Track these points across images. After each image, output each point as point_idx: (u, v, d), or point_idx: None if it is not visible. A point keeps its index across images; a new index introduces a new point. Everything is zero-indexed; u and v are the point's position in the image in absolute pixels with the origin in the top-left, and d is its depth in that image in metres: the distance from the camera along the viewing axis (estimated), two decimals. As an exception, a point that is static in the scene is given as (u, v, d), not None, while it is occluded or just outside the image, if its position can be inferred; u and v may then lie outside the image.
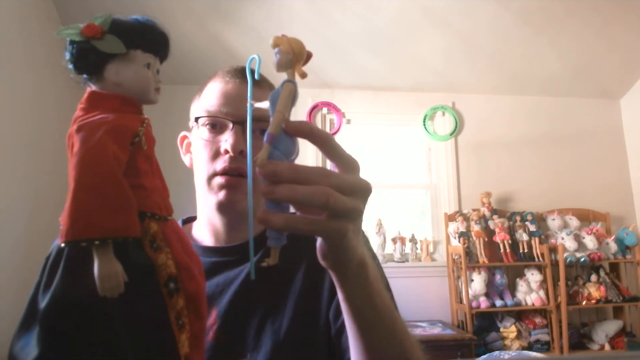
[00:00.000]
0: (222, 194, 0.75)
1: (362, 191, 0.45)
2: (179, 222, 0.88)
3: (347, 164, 0.45)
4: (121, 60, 0.41)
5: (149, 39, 0.42)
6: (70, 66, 0.41)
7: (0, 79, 2.16)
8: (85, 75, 0.42)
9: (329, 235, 0.43)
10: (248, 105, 0.45)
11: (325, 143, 0.44)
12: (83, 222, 0.35)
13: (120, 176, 0.37)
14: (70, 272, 0.36)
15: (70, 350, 0.36)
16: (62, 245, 0.35)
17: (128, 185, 0.37)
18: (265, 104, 0.44)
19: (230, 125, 0.74)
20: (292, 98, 0.42)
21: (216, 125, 0.76)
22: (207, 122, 0.76)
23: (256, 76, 0.46)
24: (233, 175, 0.74)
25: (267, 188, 0.40)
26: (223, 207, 0.76)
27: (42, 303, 0.36)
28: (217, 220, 0.80)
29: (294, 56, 0.42)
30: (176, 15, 2.71)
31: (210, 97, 0.78)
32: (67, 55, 0.41)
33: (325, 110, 3.37)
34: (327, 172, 0.42)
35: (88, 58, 0.40)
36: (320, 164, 3.03)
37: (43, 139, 2.42)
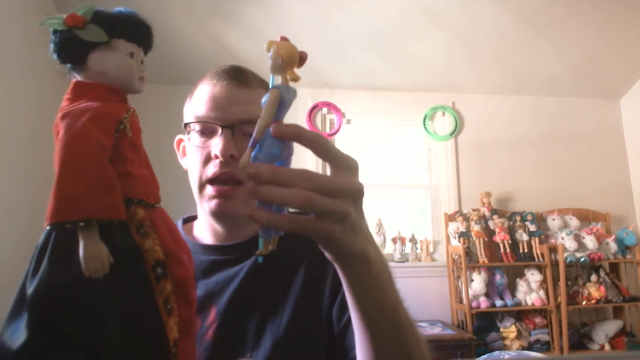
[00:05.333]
0: (213, 204, 0.75)
1: (349, 193, 0.45)
2: (180, 222, 0.88)
3: (341, 164, 0.46)
4: (104, 49, 0.42)
5: (132, 29, 0.43)
6: (54, 56, 0.42)
7: None
8: (69, 65, 0.42)
9: (312, 234, 0.45)
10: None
11: (314, 144, 0.44)
12: (67, 205, 0.35)
13: (104, 160, 0.37)
14: (57, 256, 0.37)
15: (58, 333, 0.36)
16: (48, 227, 0.35)
17: (113, 170, 0.38)
18: None
19: (219, 130, 0.74)
20: (280, 103, 0.43)
21: (206, 131, 0.76)
22: (196, 128, 0.76)
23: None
24: (224, 183, 0.74)
25: (253, 188, 0.42)
26: (217, 215, 0.77)
27: (30, 288, 0.36)
28: (215, 224, 0.80)
29: (283, 62, 0.43)
30: (176, 15, 2.72)
31: (199, 102, 0.77)
32: (51, 46, 0.42)
33: (325, 110, 3.37)
34: (310, 174, 0.43)
35: (71, 47, 0.41)
36: (321, 165, 3.03)
37: (43, 138, 2.42)
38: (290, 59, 0.43)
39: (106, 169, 0.37)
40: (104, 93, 0.42)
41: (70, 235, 0.35)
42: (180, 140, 0.87)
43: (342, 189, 0.44)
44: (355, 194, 0.46)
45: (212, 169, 0.74)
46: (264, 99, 0.44)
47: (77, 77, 0.43)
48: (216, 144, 0.74)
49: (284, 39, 0.44)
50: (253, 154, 0.43)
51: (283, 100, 0.43)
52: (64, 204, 0.35)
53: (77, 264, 0.35)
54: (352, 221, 0.45)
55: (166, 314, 0.39)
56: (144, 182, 0.42)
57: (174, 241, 0.43)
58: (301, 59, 0.44)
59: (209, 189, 0.75)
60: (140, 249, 0.39)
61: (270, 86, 0.45)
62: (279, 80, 0.44)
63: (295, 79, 0.44)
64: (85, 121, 0.38)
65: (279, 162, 0.44)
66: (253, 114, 0.75)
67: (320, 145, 0.44)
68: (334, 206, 0.43)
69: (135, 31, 0.43)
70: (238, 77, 0.78)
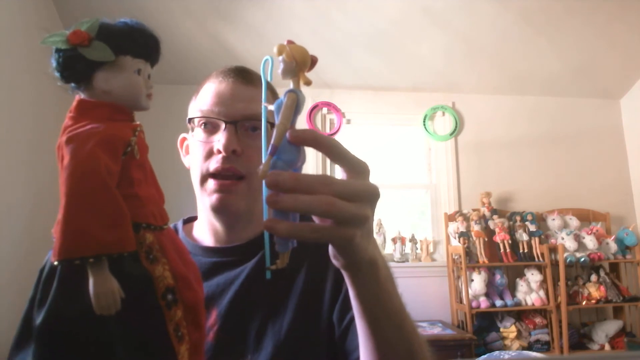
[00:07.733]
0: (214, 198, 0.75)
1: (368, 196, 0.44)
2: (180, 222, 0.88)
3: (355, 168, 0.45)
4: (110, 67, 0.39)
5: (139, 44, 0.41)
6: (57, 74, 0.39)
7: (0, 80, 2.16)
8: (73, 84, 0.40)
9: (335, 241, 0.44)
10: (262, 107, 0.45)
11: (330, 149, 0.44)
12: (76, 240, 0.33)
13: (113, 189, 0.36)
14: (65, 289, 0.35)
15: None
16: (56, 263, 0.34)
17: (121, 196, 0.36)
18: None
19: (223, 125, 0.75)
20: (296, 107, 0.42)
21: (209, 125, 0.76)
22: (200, 123, 0.77)
23: (269, 78, 0.45)
24: (226, 177, 0.74)
25: (271, 197, 0.40)
26: (217, 210, 0.76)
27: (37, 320, 0.35)
28: (215, 221, 0.80)
29: (297, 65, 0.42)
30: (176, 15, 2.71)
31: (204, 98, 0.78)
32: (53, 64, 0.39)
33: (325, 110, 3.37)
34: (330, 180, 0.42)
35: (75, 67, 0.39)
36: (321, 167, 3.03)
37: (43, 140, 2.42)
38: (303, 62, 0.42)
39: (115, 199, 0.36)
40: (110, 112, 0.40)
41: (78, 268, 0.34)
42: (184, 139, 0.87)
43: (361, 192, 0.44)
44: (373, 197, 0.45)
45: (214, 164, 0.74)
46: (276, 103, 0.42)
47: (81, 95, 0.41)
48: (219, 139, 0.74)
49: (291, 42, 0.43)
50: (271, 161, 0.41)
51: (299, 104, 0.42)
52: (73, 240, 0.33)
53: (86, 297, 0.34)
54: (369, 225, 0.45)
55: (177, 341, 0.38)
56: (152, 203, 0.41)
57: (183, 263, 0.41)
58: (312, 62, 0.43)
59: (211, 183, 0.75)
60: (150, 276, 0.38)
61: (263, 90, 0.44)
62: (290, 84, 0.43)
63: (308, 82, 0.42)
64: (92, 146, 0.35)
65: (294, 169, 0.42)
66: (257, 111, 0.75)
67: (336, 150, 0.44)
68: (355, 210, 0.42)
69: (142, 47, 0.41)
70: (243, 75, 0.79)
